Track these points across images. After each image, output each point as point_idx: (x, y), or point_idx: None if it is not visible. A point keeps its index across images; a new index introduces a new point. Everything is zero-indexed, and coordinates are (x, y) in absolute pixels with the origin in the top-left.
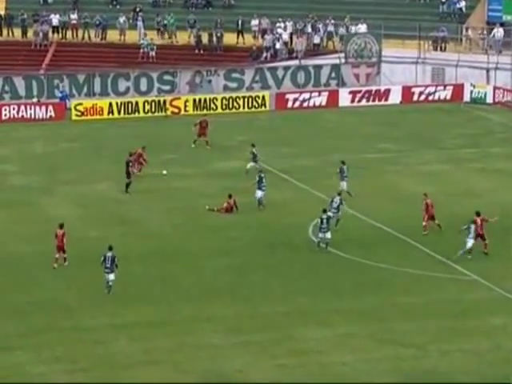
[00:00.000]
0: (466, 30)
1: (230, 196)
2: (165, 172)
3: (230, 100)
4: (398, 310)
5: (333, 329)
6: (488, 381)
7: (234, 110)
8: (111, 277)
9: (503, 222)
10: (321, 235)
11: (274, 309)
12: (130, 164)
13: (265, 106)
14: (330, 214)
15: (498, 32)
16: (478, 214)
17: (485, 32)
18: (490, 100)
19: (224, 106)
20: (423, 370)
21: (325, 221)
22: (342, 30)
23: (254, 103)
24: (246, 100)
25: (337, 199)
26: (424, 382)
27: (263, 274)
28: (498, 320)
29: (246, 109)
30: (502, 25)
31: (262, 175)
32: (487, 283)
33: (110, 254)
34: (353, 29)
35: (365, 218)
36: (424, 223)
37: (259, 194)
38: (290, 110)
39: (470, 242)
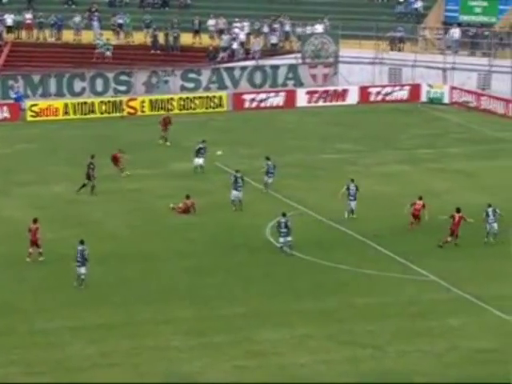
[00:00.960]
0: (423, 30)
1: (187, 197)
2: (219, 152)
3: (187, 100)
4: (356, 311)
5: (291, 330)
6: (447, 381)
7: (190, 111)
8: (82, 270)
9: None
10: (282, 240)
11: (233, 310)
12: (92, 166)
13: (222, 107)
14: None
15: (455, 32)
16: (458, 211)
17: (441, 32)
18: (446, 100)
19: (181, 107)
20: (381, 371)
21: (283, 225)
22: (299, 31)
23: (211, 103)
24: (203, 100)
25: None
26: (382, 382)
27: (222, 276)
28: (455, 320)
29: (203, 109)
30: (458, 25)
31: (238, 175)
32: (445, 284)
33: (80, 247)
34: (310, 29)
35: (323, 219)
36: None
37: (234, 194)
38: (247, 110)
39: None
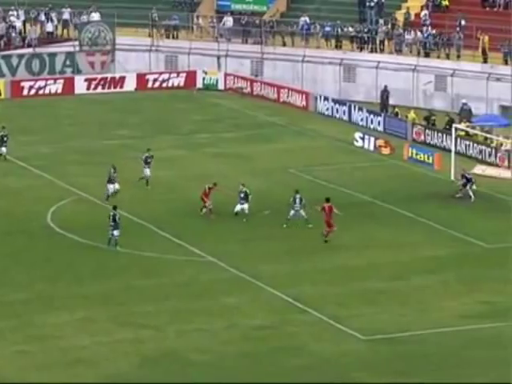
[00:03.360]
0: (197, 18)
1: None
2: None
3: None
4: (137, 293)
5: (73, 313)
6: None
7: None
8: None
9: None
10: (110, 233)
11: (15, 296)
12: None
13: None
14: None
15: (228, 20)
16: (327, 200)
17: (215, 20)
18: (221, 86)
19: None
20: (162, 351)
21: (111, 218)
22: (76, 19)
23: None
24: None
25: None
26: (163, 361)
27: (2, 262)
28: (232, 299)
29: None
30: (231, 13)
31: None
32: (222, 264)
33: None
34: (86, 17)
35: (100, 203)
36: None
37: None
38: (25, 97)
39: (291, 212)
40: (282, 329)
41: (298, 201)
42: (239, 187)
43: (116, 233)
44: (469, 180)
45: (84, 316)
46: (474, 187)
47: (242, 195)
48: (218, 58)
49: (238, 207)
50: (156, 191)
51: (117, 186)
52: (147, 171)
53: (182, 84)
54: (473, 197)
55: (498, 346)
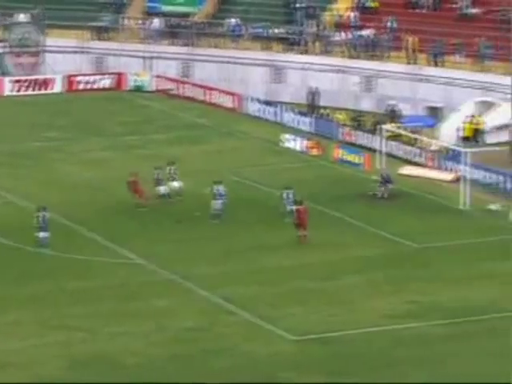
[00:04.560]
0: (127, 19)
1: None
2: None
3: None
4: (67, 296)
5: (2, 317)
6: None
7: None
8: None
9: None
10: (38, 235)
11: None
12: None
13: None
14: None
15: (156, 22)
16: (300, 203)
17: (144, 22)
18: (151, 88)
19: None
20: (92, 353)
21: (40, 219)
22: (4, 20)
23: None
24: None
25: None
26: (93, 364)
27: None
28: (163, 301)
29: None
30: (161, 15)
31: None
32: (153, 266)
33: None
34: (14, 18)
35: (30, 205)
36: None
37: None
38: None
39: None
40: (213, 330)
41: (288, 196)
42: (213, 187)
43: (44, 234)
44: (387, 181)
45: (14, 319)
46: (390, 187)
47: (217, 193)
48: (147, 59)
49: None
50: (85, 193)
51: (176, 184)
52: (175, 184)
53: (111, 86)
54: (385, 196)
55: (424, 345)
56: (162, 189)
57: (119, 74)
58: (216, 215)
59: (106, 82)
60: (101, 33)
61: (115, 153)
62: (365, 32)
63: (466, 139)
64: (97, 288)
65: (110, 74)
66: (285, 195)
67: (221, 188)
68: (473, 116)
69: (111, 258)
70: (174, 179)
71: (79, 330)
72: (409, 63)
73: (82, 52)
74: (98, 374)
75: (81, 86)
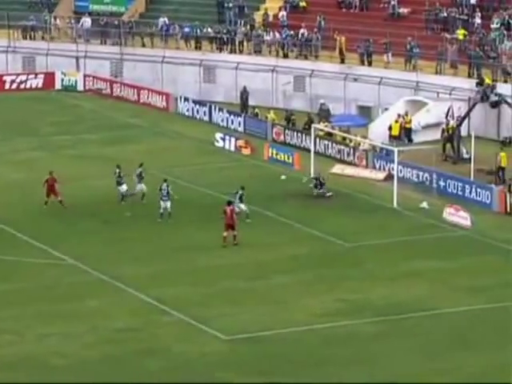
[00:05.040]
0: (55, 19)
1: None
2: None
3: None
4: None
5: None
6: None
7: None
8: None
9: (94, 205)
10: None
11: None
12: None
13: None
14: None
15: (86, 21)
16: (228, 204)
17: (73, 21)
18: (80, 87)
19: None
20: (21, 356)
21: None
22: None
23: None
24: None
25: None
26: (21, 366)
27: None
28: (94, 302)
29: None
30: (89, 14)
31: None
32: (84, 266)
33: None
34: None
35: None
36: None
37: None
38: None
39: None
40: (145, 331)
41: (239, 196)
42: (162, 184)
43: None
44: (321, 184)
45: None
46: (322, 190)
47: (165, 192)
48: (77, 58)
49: (162, 205)
50: (14, 193)
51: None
52: (141, 186)
53: (40, 85)
54: (315, 193)
55: (354, 344)
56: (122, 188)
57: (49, 74)
58: (168, 214)
59: (35, 82)
60: (28, 32)
61: (45, 153)
62: (295, 31)
63: (394, 138)
64: (27, 289)
65: (39, 73)
66: (238, 195)
67: (164, 186)
68: (403, 115)
69: (41, 258)
70: (140, 181)
71: (8, 332)
72: (342, 62)
73: (11, 51)
74: (26, 376)
75: (10, 86)
